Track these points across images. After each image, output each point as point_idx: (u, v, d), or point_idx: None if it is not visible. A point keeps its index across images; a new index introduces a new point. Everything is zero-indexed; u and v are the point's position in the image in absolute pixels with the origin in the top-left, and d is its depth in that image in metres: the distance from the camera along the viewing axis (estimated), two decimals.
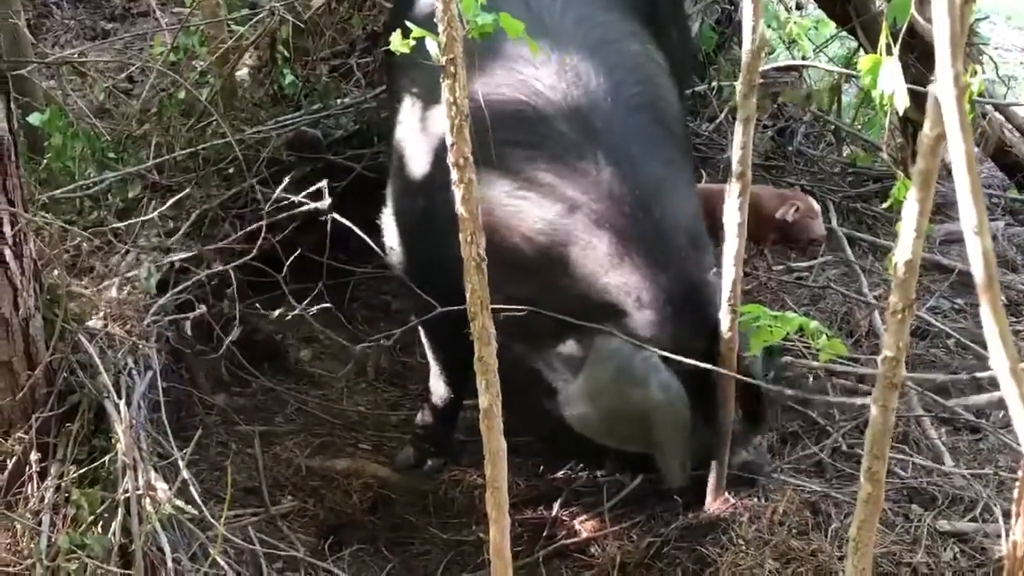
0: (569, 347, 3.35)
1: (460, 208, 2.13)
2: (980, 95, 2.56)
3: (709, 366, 3.17)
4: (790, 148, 5.73)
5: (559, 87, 3.38)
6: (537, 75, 3.40)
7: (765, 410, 3.51)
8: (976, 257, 1.09)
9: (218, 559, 3.07)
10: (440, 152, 3.35)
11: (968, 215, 1.08)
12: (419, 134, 3.62)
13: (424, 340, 3.96)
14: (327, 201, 3.51)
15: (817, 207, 4.81)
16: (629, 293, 3.24)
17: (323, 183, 3.56)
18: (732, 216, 3.19)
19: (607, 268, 3.26)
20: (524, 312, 3.18)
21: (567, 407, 3.37)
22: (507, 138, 3.28)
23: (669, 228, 3.30)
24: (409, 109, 3.69)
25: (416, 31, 2.17)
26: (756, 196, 4.48)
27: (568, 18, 3.58)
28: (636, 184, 3.29)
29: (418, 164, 3.60)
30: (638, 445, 3.38)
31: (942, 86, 1.08)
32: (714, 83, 5.69)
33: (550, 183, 3.33)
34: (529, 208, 3.32)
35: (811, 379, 4.12)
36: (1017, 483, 1.76)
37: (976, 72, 2.23)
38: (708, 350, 3.19)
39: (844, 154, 5.87)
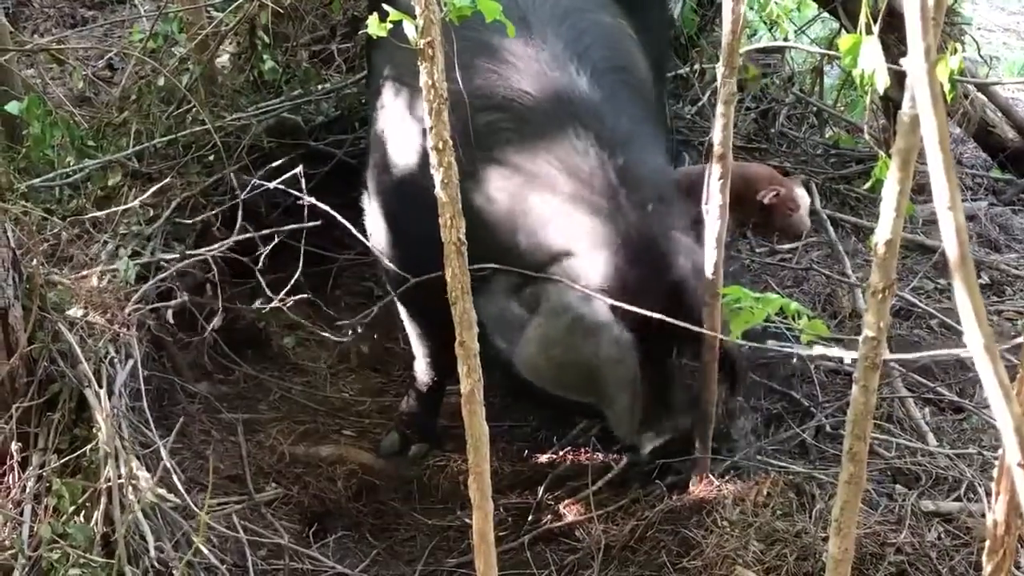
0: (524, 296, 3.35)
1: (440, 192, 2.12)
2: (961, 73, 2.55)
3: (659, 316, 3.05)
4: (773, 130, 5.72)
5: (525, 52, 3.42)
6: (504, 43, 3.41)
7: (740, 373, 3.56)
8: (949, 233, 1.08)
9: (201, 547, 3.06)
10: (418, 134, 3.40)
11: (941, 192, 1.07)
12: (399, 117, 3.61)
13: (406, 325, 3.95)
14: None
15: (804, 200, 4.64)
16: (582, 237, 3.23)
17: (299, 169, 3.55)
18: (714, 197, 3.19)
19: (564, 213, 3.26)
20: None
21: (519, 355, 3.34)
22: (476, 104, 3.28)
23: (632, 180, 3.28)
24: (389, 91, 3.68)
25: (394, 14, 2.16)
26: (746, 176, 4.47)
27: None
28: (601, 137, 3.29)
29: (398, 146, 3.59)
30: (587, 396, 3.39)
31: (912, 60, 1.07)
32: (696, 66, 5.68)
33: (514, 140, 3.36)
34: (495, 164, 3.36)
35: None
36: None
37: (956, 51, 2.23)
38: (665, 305, 3.09)
39: (827, 136, 5.87)
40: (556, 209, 3.28)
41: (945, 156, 1.06)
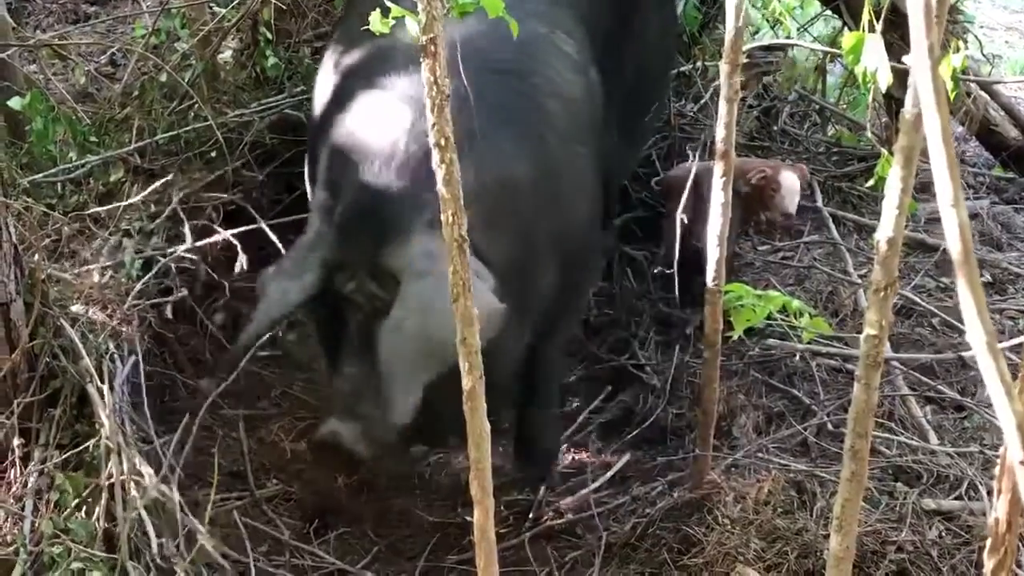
0: None
1: (441, 189, 2.11)
2: (963, 72, 2.55)
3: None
4: (775, 128, 5.72)
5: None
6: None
7: None
8: (952, 231, 1.08)
9: (205, 544, 3.06)
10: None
11: (944, 189, 1.07)
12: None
13: None
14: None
15: (789, 183, 4.53)
16: (342, 191, 3.22)
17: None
18: (716, 195, 3.19)
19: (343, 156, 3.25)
20: None
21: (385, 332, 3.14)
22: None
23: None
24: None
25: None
26: (742, 166, 4.45)
27: None
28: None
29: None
30: None
31: (916, 57, 1.07)
32: (698, 63, 5.67)
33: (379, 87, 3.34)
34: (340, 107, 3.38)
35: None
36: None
37: (958, 49, 2.23)
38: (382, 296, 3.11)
39: (829, 133, 5.87)
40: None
41: (948, 154, 1.05)
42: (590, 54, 3.78)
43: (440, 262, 2.77)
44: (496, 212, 3.14)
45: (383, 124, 3.23)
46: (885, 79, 2.09)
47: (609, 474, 3.88)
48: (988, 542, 1.69)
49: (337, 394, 3.29)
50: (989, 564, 1.68)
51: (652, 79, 4.56)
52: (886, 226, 1.72)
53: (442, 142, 2.11)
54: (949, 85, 2.22)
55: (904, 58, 1.24)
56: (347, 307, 3.18)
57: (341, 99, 3.45)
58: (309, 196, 3.59)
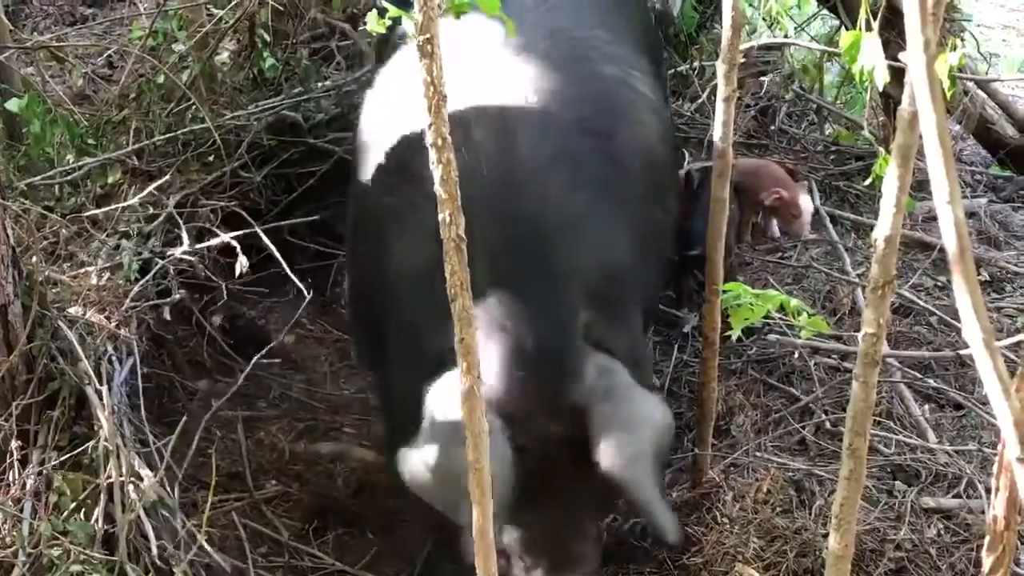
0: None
1: (439, 188, 2.11)
2: (961, 70, 2.56)
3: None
4: (772, 127, 5.73)
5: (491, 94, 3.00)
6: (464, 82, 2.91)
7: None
8: (948, 228, 1.08)
9: (204, 545, 3.06)
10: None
11: (940, 186, 1.07)
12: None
13: None
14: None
15: (807, 207, 4.58)
16: (484, 334, 2.63)
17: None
18: (715, 192, 3.20)
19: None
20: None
21: (403, 460, 2.80)
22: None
23: (559, 275, 2.80)
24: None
25: (392, 11, 2.16)
26: (759, 173, 4.49)
27: (542, 27, 3.22)
28: (536, 212, 2.82)
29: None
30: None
31: (911, 55, 1.07)
32: (696, 63, 5.67)
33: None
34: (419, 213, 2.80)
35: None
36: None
37: (955, 47, 2.23)
38: (565, 433, 2.70)
39: (827, 132, 5.87)
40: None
41: (945, 151, 1.05)
42: (657, 83, 3.59)
43: (616, 375, 2.76)
44: (613, 303, 2.93)
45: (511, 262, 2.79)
46: (882, 77, 2.09)
47: None
48: (986, 540, 1.69)
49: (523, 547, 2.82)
50: (987, 562, 1.68)
51: None
52: (883, 224, 1.72)
53: (439, 142, 2.10)
54: (946, 83, 2.22)
55: (900, 55, 1.25)
56: (517, 456, 2.67)
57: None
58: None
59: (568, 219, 2.85)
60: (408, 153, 3.03)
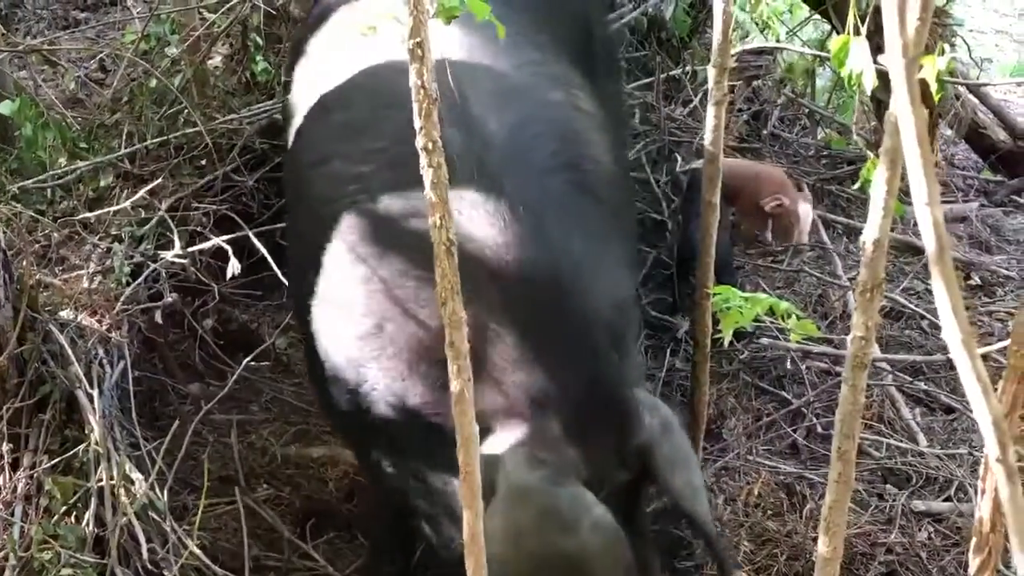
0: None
1: (430, 192, 2.12)
2: (951, 74, 2.56)
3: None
4: (765, 131, 5.74)
5: (460, 144, 2.76)
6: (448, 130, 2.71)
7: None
8: (927, 229, 1.08)
9: (194, 549, 3.06)
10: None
11: (919, 187, 1.08)
12: None
13: None
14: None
15: (806, 216, 4.60)
16: (531, 400, 2.63)
17: None
18: (706, 196, 3.20)
19: (504, 367, 2.64)
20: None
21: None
22: (413, 202, 2.74)
23: (586, 321, 2.72)
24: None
25: (384, 14, 2.16)
26: (760, 177, 4.50)
27: (483, 57, 3.05)
28: (548, 264, 2.69)
29: None
30: None
31: (890, 56, 1.08)
32: (688, 67, 5.68)
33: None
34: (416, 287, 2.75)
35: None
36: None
37: (944, 51, 2.23)
38: (631, 478, 2.68)
39: (819, 137, 5.88)
40: (499, 360, 2.66)
41: (924, 151, 1.06)
42: (593, 93, 3.42)
43: (661, 409, 2.74)
44: (625, 334, 2.92)
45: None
46: (870, 81, 2.10)
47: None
48: (973, 541, 1.70)
49: None
50: (974, 564, 1.68)
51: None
52: (872, 228, 1.72)
53: (429, 146, 2.11)
54: (934, 87, 2.23)
55: (879, 57, 1.25)
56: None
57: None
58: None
59: (573, 266, 2.75)
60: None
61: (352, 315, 2.85)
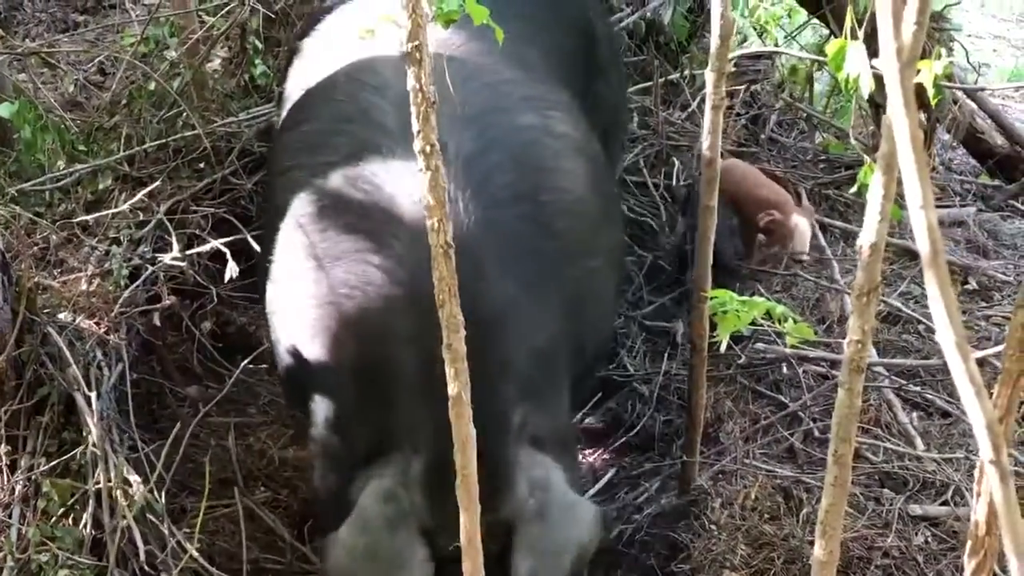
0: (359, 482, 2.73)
1: (427, 195, 2.12)
2: (948, 79, 2.57)
3: None
4: (763, 135, 5.74)
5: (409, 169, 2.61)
6: (399, 151, 2.80)
7: None
8: (921, 232, 1.09)
9: (193, 552, 3.06)
10: None
11: (913, 191, 1.08)
12: None
13: None
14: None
15: (802, 232, 4.61)
16: (407, 435, 2.63)
17: None
18: (704, 201, 3.21)
19: (398, 399, 2.67)
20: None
21: (329, 547, 2.71)
22: (351, 223, 2.83)
23: (485, 372, 2.40)
24: None
25: (382, 16, 2.17)
26: (760, 192, 4.53)
27: (455, 76, 2.82)
28: (464, 306, 2.42)
29: None
30: None
31: (885, 59, 1.08)
32: (686, 72, 5.69)
33: (375, 284, 2.75)
34: (353, 306, 2.79)
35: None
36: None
37: (941, 55, 2.24)
38: (496, 546, 2.53)
39: (816, 141, 5.89)
40: (397, 390, 2.68)
41: (918, 155, 1.07)
42: (581, 115, 3.36)
43: (552, 490, 2.67)
44: (544, 387, 2.82)
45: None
46: (867, 85, 2.10)
47: (599, 485, 3.88)
48: (968, 545, 1.70)
49: None
50: (969, 567, 1.69)
51: (616, 136, 4.30)
52: (868, 232, 1.73)
53: (427, 149, 2.11)
54: (931, 91, 2.24)
55: (873, 61, 1.26)
56: (451, 568, 2.52)
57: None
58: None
59: (498, 310, 2.66)
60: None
61: (299, 304, 2.91)
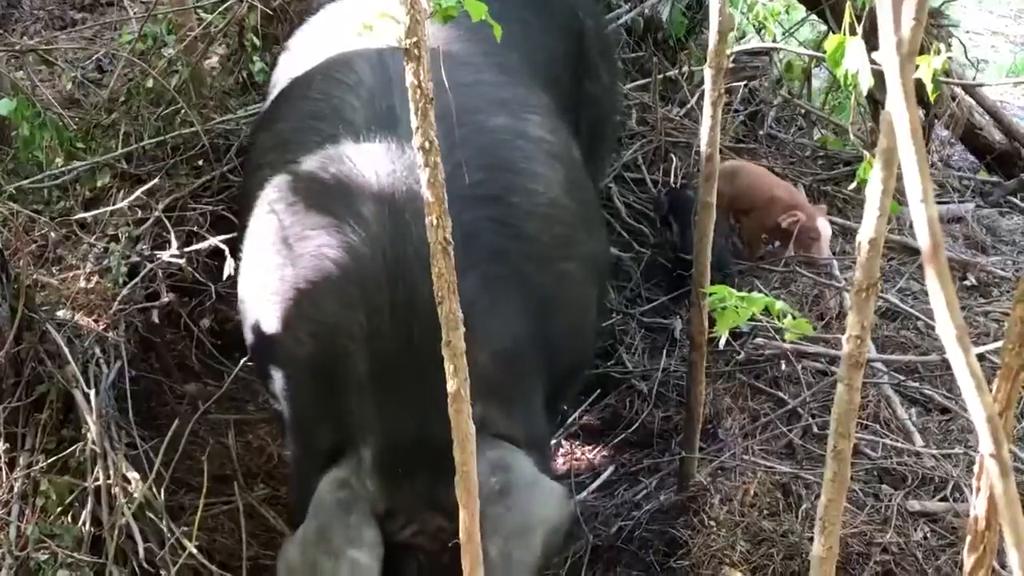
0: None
1: (426, 191, 2.12)
2: (946, 74, 2.57)
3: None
4: (761, 132, 5.74)
5: (383, 167, 2.78)
6: (363, 148, 2.83)
7: None
8: (921, 226, 1.09)
9: (192, 549, 3.06)
10: None
11: (913, 185, 1.08)
12: None
13: None
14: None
15: (825, 230, 4.64)
16: (361, 427, 2.67)
17: None
18: (702, 197, 3.21)
19: (358, 389, 2.68)
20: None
21: (283, 547, 2.74)
22: (311, 219, 2.84)
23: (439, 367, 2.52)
24: None
25: (381, 13, 2.16)
26: (774, 193, 4.55)
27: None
28: (423, 302, 2.51)
29: None
30: None
31: (884, 53, 1.08)
32: (685, 68, 5.69)
33: (330, 280, 2.76)
34: (308, 302, 2.81)
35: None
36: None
37: (939, 51, 2.24)
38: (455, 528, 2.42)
39: (815, 138, 5.89)
40: (349, 381, 2.70)
41: (918, 148, 1.07)
42: (562, 118, 3.33)
43: (514, 471, 2.66)
44: (508, 388, 2.81)
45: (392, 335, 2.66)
46: (866, 81, 2.10)
47: (598, 482, 3.88)
48: (967, 539, 1.70)
49: None
50: (969, 562, 1.69)
51: (604, 133, 4.29)
52: (867, 227, 1.73)
53: (426, 145, 2.11)
54: (929, 87, 2.24)
55: (874, 55, 1.26)
56: (404, 553, 2.67)
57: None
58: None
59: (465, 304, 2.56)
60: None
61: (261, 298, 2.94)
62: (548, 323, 2.96)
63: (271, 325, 2.91)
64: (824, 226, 4.62)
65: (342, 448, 2.71)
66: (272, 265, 2.90)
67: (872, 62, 1.60)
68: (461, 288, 2.55)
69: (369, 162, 2.78)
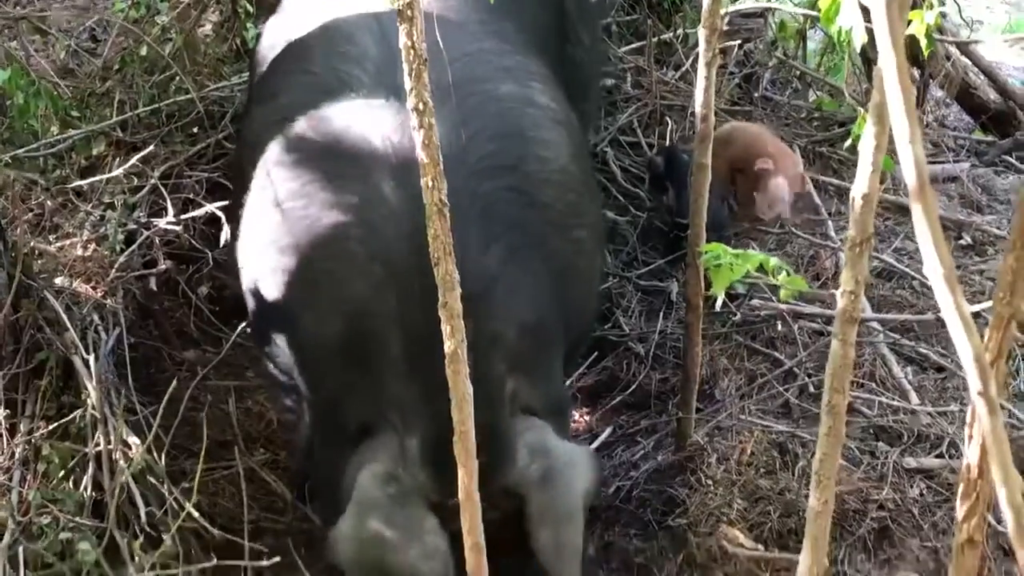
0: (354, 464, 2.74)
1: (421, 153, 2.13)
2: (939, 31, 2.57)
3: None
4: (756, 94, 5.73)
5: (391, 140, 2.76)
6: (375, 120, 2.82)
7: None
8: (908, 165, 1.10)
9: (192, 511, 3.08)
10: None
11: (900, 126, 1.09)
12: None
13: None
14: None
15: (780, 184, 4.67)
16: (400, 413, 2.67)
17: None
18: (697, 158, 3.22)
19: (392, 372, 2.68)
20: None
21: (335, 543, 2.71)
22: (326, 196, 2.82)
23: (481, 348, 2.49)
24: None
25: None
26: (754, 139, 4.55)
27: (431, 45, 2.76)
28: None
29: None
30: None
31: None
32: (679, 31, 5.68)
33: (360, 254, 2.75)
34: (332, 282, 2.79)
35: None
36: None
37: (932, 5, 2.24)
38: (499, 517, 2.52)
39: (810, 99, 5.88)
40: (383, 366, 2.70)
41: (905, 91, 1.07)
42: (557, 84, 3.30)
43: (552, 453, 2.70)
44: (534, 359, 2.82)
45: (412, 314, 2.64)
46: (859, 38, 2.10)
47: (596, 444, 3.90)
48: (960, 488, 1.72)
49: None
50: (961, 510, 1.70)
51: (589, 96, 4.23)
52: (860, 183, 1.73)
53: (420, 107, 2.12)
54: (923, 42, 2.24)
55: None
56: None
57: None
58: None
59: (484, 283, 2.66)
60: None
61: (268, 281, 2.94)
62: (565, 290, 2.98)
63: (286, 301, 2.90)
64: (781, 183, 4.65)
65: (369, 428, 2.72)
66: (286, 244, 2.87)
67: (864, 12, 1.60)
68: (485, 263, 2.68)
69: (384, 137, 2.77)
